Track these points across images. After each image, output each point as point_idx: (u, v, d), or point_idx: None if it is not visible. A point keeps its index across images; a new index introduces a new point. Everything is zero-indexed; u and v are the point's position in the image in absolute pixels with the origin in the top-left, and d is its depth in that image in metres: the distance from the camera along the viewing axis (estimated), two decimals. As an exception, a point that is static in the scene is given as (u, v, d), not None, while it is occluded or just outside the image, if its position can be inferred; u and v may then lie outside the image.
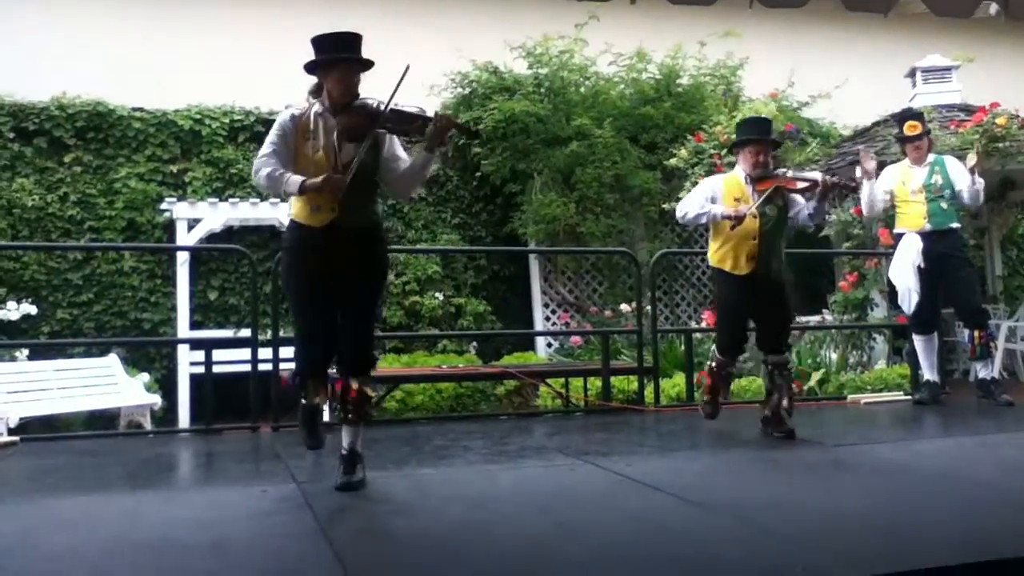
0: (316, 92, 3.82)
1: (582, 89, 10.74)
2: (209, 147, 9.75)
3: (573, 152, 9.91)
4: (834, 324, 8.68)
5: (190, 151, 9.75)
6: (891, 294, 7.20)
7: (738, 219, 4.74)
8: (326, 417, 5.26)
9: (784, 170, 4.99)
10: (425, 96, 10.26)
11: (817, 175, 4.91)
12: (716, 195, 4.99)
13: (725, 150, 9.96)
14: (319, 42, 3.75)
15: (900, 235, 6.43)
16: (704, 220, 4.98)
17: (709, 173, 9.77)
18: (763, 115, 9.83)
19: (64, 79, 9.47)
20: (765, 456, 4.36)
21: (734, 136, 9.82)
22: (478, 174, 10.36)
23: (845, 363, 8.37)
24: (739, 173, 5.02)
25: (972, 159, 6.35)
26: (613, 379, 6.80)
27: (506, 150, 10.02)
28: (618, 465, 4.10)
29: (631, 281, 9.45)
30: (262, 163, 3.73)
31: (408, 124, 3.69)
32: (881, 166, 6.60)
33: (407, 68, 3.51)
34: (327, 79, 3.75)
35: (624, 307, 9.56)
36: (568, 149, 9.93)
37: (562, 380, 7.28)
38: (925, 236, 6.27)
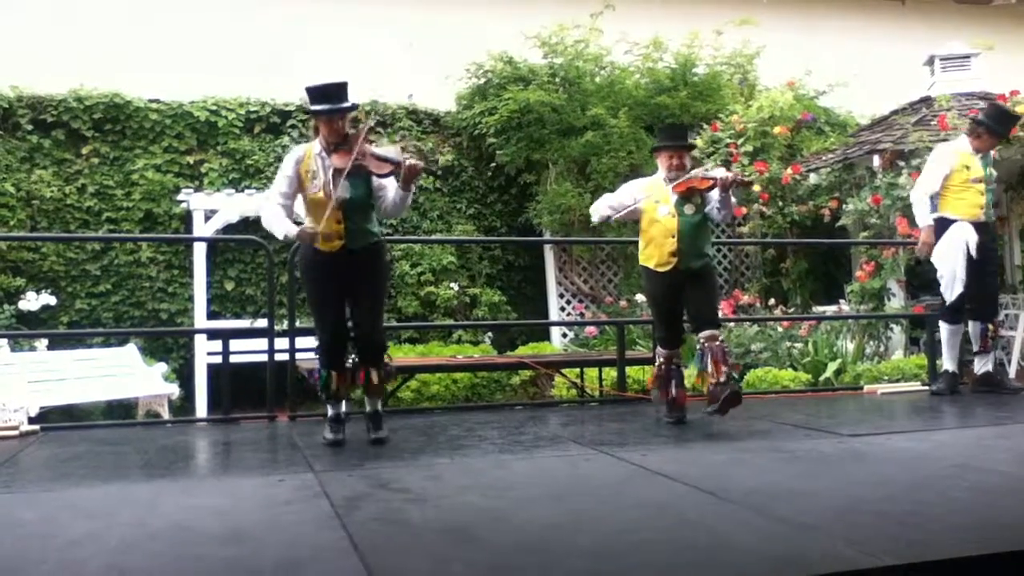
0: (315, 132, 4.57)
1: (597, 79, 10.71)
2: (225, 138, 9.79)
3: (588, 142, 9.88)
4: (851, 314, 8.64)
5: (206, 142, 9.80)
6: (914, 283, 7.15)
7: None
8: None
9: (696, 171, 5.16)
10: (440, 86, 10.30)
11: (720, 172, 5.12)
12: (638, 196, 5.28)
13: (741, 138, 9.93)
14: (310, 92, 4.48)
15: (950, 221, 6.22)
16: (621, 214, 5.35)
17: (726, 162, 9.75)
18: (779, 103, 9.81)
19: (81, 71, 9.53)
20: (780, 446, 4.35)
21: (751, 126, 9.88)
22: (493, 164, 10.35)
23: (862, 353, 8.33)
24: (660, 176, 5.30)
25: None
26: (628, 369, 6.80)
27: (521, 140, 10.01)
28: (633, 455, 4.10)
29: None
30: (268, 206, 4.54)
31: (384, 172, 4.44)
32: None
33: (367, 125, 4.38)
34: (319, 123, 4.49)
35: (639, 297, 9.54)
36: (583, 139, 9.91)
37: (577, 370, 7.29)
38: (979, 227, 6.18)
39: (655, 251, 5.15)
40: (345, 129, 4.46)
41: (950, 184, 6.24)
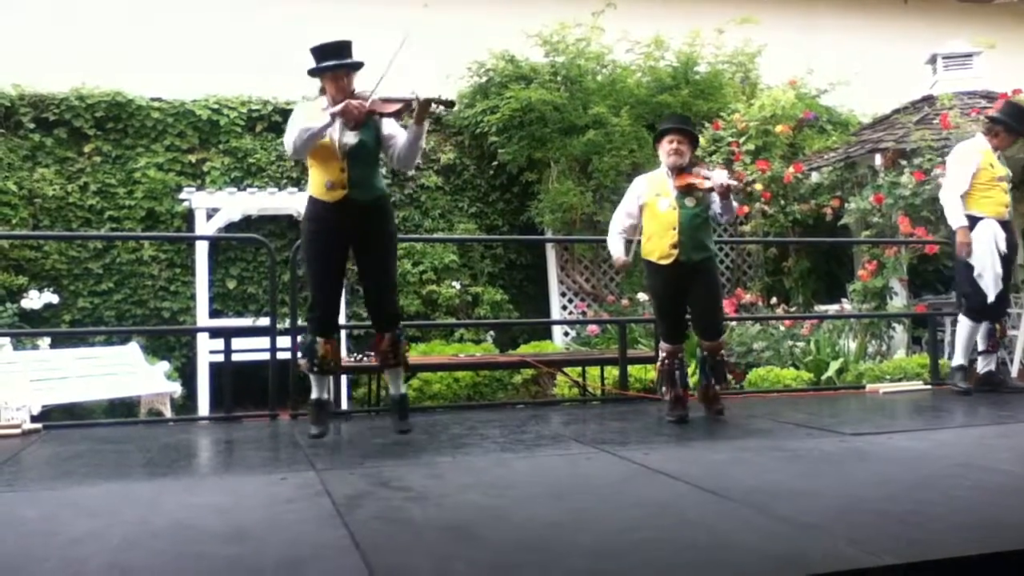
0: (322, 92, 4.51)
1: (599, 77, 10.70)
2: (227, 136, 9.80)
3: (590, 140, 9.88)
4: (853, 313, 8.63)
5: (208, 141, 9.80)
6: (916, 282, 7.11)
7: (622, 266, 5.44)
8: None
9: (699, 170, 5.19)
10: (442, 84, 10.28)
11: (719, 176, 5.11)
12: (641, 193, 5.32)
13: (743, 137, 9.93)
14: (314, 52, 4.42)
15: (977, 219, 6.19)
16: (613, 249, 5.44)
17: (727, 161, 9.75)
18: (780, 102, 9.81)
19: (83, 70, 9.53)
20: (782, 445, 4.35)
21: (752, 124, 9.87)
22: (495, 163, 10.36)
23: (864, 352, 8.32)
24: (661, 170, 5.30)
25: None
26: (630, 368, 6.81)
27: (523, 139, 10.00)
28: (635, 454, 4.10)
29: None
30: (291, 132, 4.35)
31: (394, 111, 4.36)
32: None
33: (403, 41, 4.12)
34: (325, 82, 4.44)
35: (641, 296, 9.54)
36: (585, 137, 9.90)
37: (579, 369, 7.29)
38: (1004, 224, 6.19)
39: (656, 244, 5.19)
40: (351, 86, 4.39)
41: (977, 183, 6.20)
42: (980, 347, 6.47)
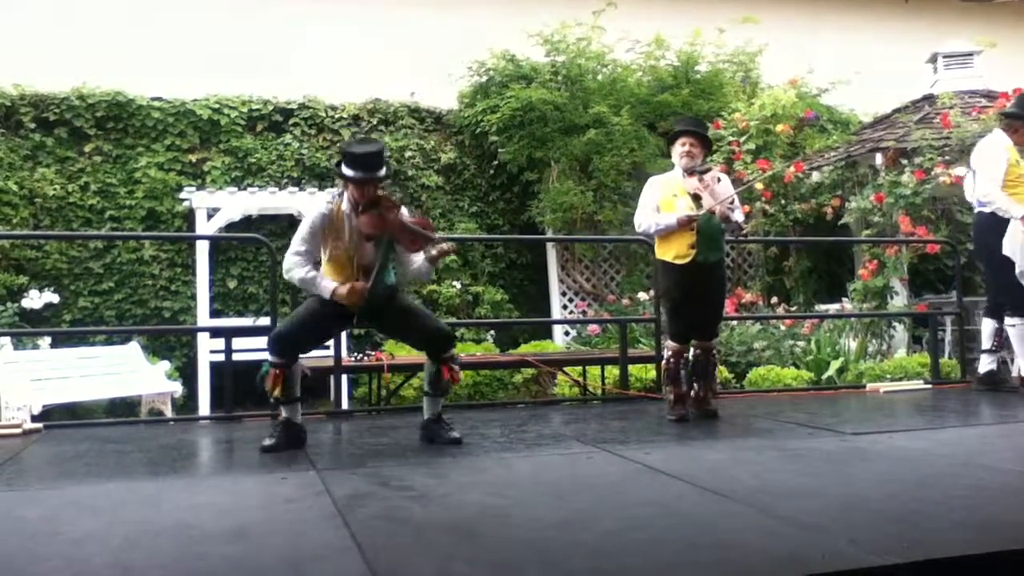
0: (344, 187, 4.49)
1: (599, 77, 10.70)
2: (228, 136, 9.80)
3: (590, 140, 9.88)
4: (853, 312, 8.63)
5: (209, 140, 9.80)
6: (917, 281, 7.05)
7: (690, 220, 5.10)
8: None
9: (713, 174, 5.19)
10: (442, 84, 10.29)
11: (723, 190, 5.14)
12: (655, 195, 5.30)
13: (743, 136, 9.93)
14: (345, 157, 4.43)
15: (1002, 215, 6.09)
16: (662, 230, 5.24)
17: (728, 161, 9.75)
18: (781, 101, 9.81)
19: (84, 70, 9.54)
20: (783, 445, 4.35)
21: (753, 124, 9.88)
22: (495, 162, 10.36)
23: (864, 351, 8.32)
24: (677, 171, 5.32)
25: None
26: (631, 367, 6.80)
27: (523, 138, 10.00)
28: (636, 453, 4.10)
29: (649, 269, 9.42)
30: (295, 263, 4.43)
31: (413, 241, 4.41)
32: None
33: (399, 197, 4.21)
34: (351, 185, 4.41)
35: (642, 295, 9.55)
36: (585, 137, 9.90)
37: (579, 368, 7.28)
38: None
39: (674, 244, 5.20)
40: (375, 193, 4.42)
41: (1006, 179, 6.10)
42: (985, 345, 6.45)
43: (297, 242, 4.46)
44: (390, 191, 4.08)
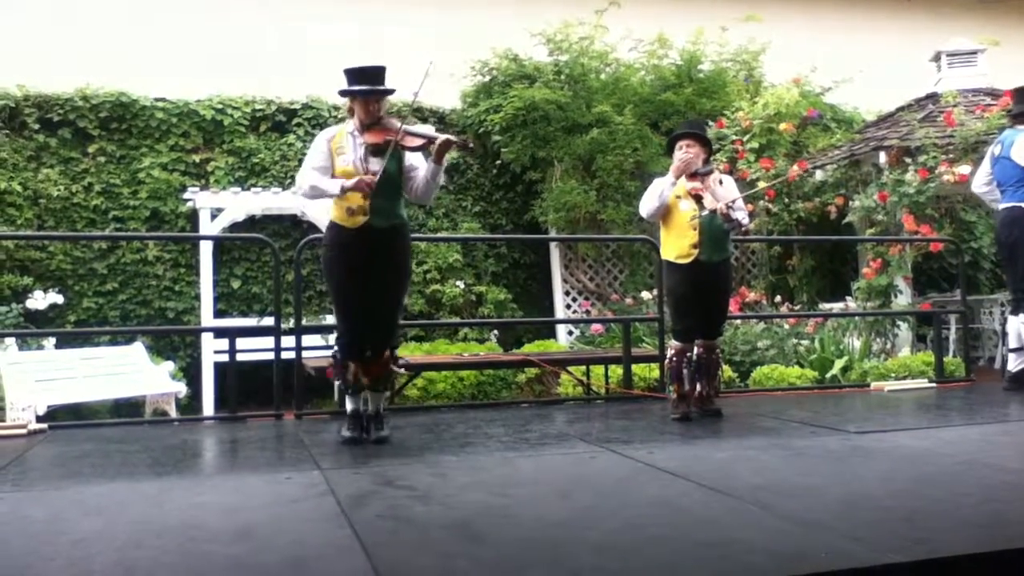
0: (350, 113, 4.58)
1: (602, 76, 10.70)
2: (231, 136, 9.80)
3: (593, 139, 9.88)
4: (857, 311, 8.62)
5: (212, 140, 9.81)
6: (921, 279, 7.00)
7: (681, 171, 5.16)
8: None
9: (713, 179, 5.23)
10: (445, 83, 10.28)
11: (727, 192, 5.19)
12: (666, 193, 5.31)
13: (747, 135, 9.92)
14: (347, 73, 4.48)
15: None
16: (662, 201, 5.26)
17: (731, 159, 9.74)
18: (784, 100, 9.80)
19: (87, 70, 9.55)
20: (787, 443, 4.35)
21: (756, 122, 9.86)
22: (498, 162, 10.36)
23: (868, 350, 8.31)
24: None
25: None
26: (634, 367, 6.80)
27: (526, 138, 10.00)
28: (639, 452, 4.10)
29: (652, 268, 9.42)
30: (304, 177, 4.50)
31: (417, 146, 4.47)
32: None
33: (427, 69, 4.27)
34: (354, 104, 4.51)
35: (645, 294, 9.54)
36: (588, 136, 9.90)
37: (583, 368, 7.28)
38: None
39: (676, 243, 5.25)
40: (380, 112, 4.48)
41: None
42: (1012, 344, 6.40)
43: (306, 163, 4.54)
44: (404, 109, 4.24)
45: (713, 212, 5.10)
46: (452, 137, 4.52)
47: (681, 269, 5.23)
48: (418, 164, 4.58)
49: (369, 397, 4.63)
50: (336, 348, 4.67)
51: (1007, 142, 6.31)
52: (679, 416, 5.20)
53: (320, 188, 4.43)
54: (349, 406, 4.68)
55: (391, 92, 4.58)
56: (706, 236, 5.16)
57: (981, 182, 6.53)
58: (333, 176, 4.46)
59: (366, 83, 4.42)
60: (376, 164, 4.40)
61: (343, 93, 4.52)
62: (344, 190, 4.37)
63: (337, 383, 4.76)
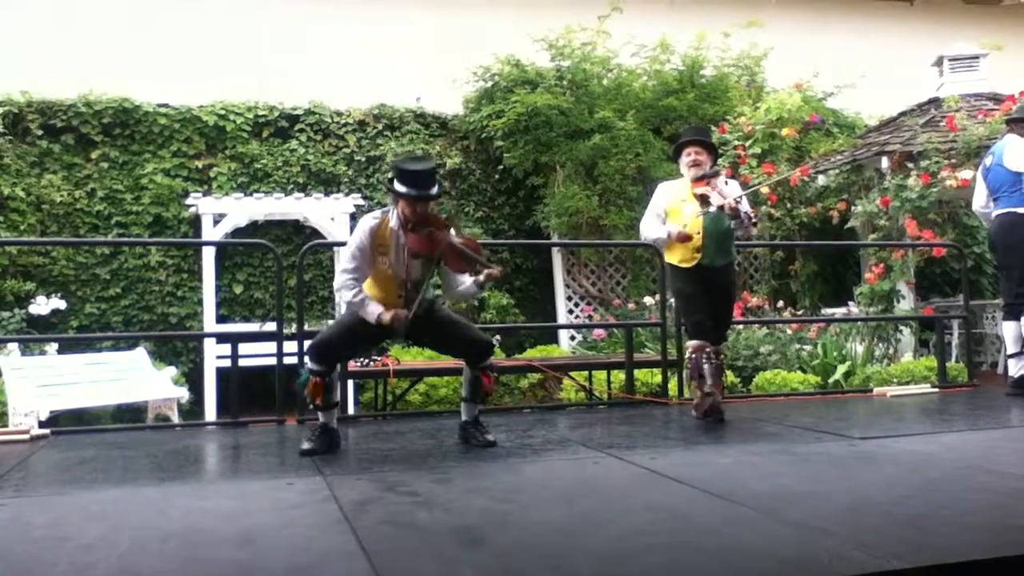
0: (394, 202, 4.45)
1: (605, 81, 10.71)
2: (234, 142, 9.82)
3: (596, 144, 9.89)
4: (860, 316, 8.61)
5: (215, 146, 9.83)
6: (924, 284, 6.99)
7: (685, 238, 5.17)
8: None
9: (719, 181, 5.22)
10: (447, 89, 10.30)
11: (731, 191, 5.21)
12: (663, 201, 5.36)
13: (749, 140, 9.92)
14: (398, 172, 4.42)
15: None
16: (660, 243, 5.39)
17: (733, 164, 9.74)
18: (787, 105, 9.81)
19: (90, 76, 9.58)
20: (790, 449, 4.34)
21: (759, 128, 9.87)
22: (501, 167, 10.36)
23: (871, 355, 8.30)
24: (685, 178, 5.36)
25: None
26: (636, 372, 6.80)
27: (528, 143, 10.01)
28: (642, 458, 4.10)
29: (654, 273, 9.42)
30: (345, 283, 4.40)
31: (462, 263, 4.42)
32: None
33: (455, 220, 4.51)
34: (402, 202, 4.37)
35: (647, 300, 9.54)
36: (591, 141, 9.91)
37: (585, 373, 7.28)
38: None
39: (680, 248, 5.26)
40: (426, 212, 4.40)
41: None
42: (1011, 349, 6.40)
43: (347, 259, 4.42)
44: (440, 210, 4.14)
45: (720, 208, 5.07)
46: (496, 272, 4.50)
47: (685, 272, 5.26)
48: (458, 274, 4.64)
49: (466, 405, 4.71)
50: (308, 356, 4.56)
51: (998, 151, 6.35)
52: (701, 415, 5.21)
53: (357, 307, 4.39)
54: (321, 419, 4.54)
55: (439, 196, 4.59)
56: (710, 240, 5.16)
57: (980, 203, 6.54)
58: (372, 270, 4.42)
59: (415, 187, 4.32)
60: (416, 266, 4.39)
61: (392, 192, 4.42)
62: (380, 322, 4.34)
63: (310, 403, 4.55)
